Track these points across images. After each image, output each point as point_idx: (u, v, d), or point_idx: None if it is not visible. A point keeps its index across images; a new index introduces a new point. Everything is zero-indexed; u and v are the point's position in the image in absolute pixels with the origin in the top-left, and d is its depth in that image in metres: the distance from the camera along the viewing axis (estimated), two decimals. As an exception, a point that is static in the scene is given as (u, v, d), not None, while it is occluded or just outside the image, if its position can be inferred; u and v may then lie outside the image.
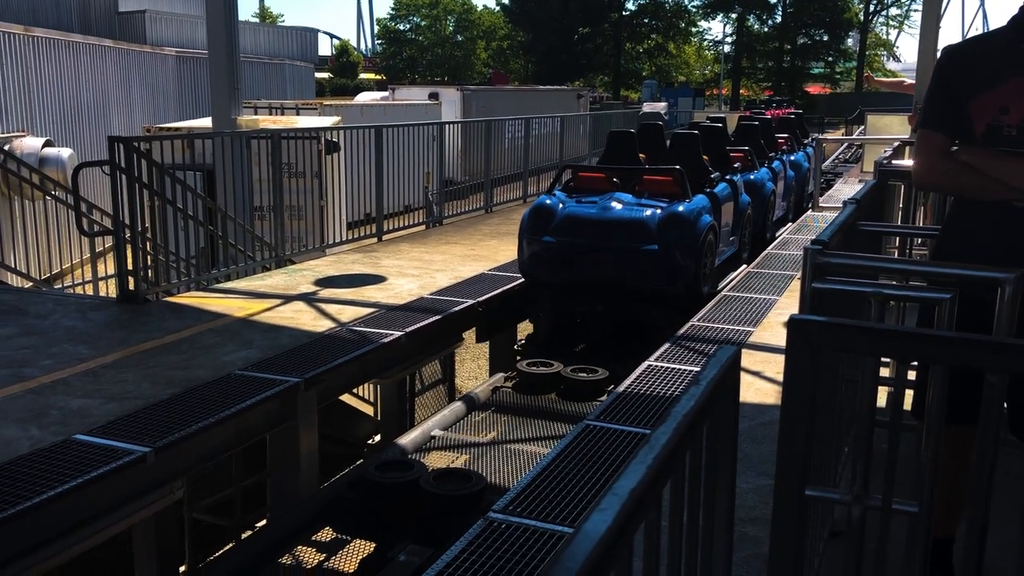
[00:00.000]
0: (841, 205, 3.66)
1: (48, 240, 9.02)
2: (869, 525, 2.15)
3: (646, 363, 5.82)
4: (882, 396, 2.86)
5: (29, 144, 12.18)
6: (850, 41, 64.00)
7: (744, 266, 9.18)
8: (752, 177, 10.61)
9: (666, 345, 6.20)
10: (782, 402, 1.65)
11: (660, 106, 42.04)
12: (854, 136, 25.26)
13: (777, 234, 11.22)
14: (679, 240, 7.44)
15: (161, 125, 15.05)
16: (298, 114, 17.74)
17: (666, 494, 1.22)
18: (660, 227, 7.47)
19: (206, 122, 13.94)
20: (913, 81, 11.11)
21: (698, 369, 5.64)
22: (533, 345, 8.58)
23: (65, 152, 12.42)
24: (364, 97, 29.32)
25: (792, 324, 1.58)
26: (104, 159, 7.30)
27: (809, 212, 12.77)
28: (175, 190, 7.79)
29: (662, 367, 5.74)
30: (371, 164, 10.36)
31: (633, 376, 5.55)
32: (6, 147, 8.97)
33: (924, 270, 2.74)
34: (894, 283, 2.79)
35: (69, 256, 9.16)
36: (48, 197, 9.02)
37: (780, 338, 6.22)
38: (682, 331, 6.55)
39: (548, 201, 7.93)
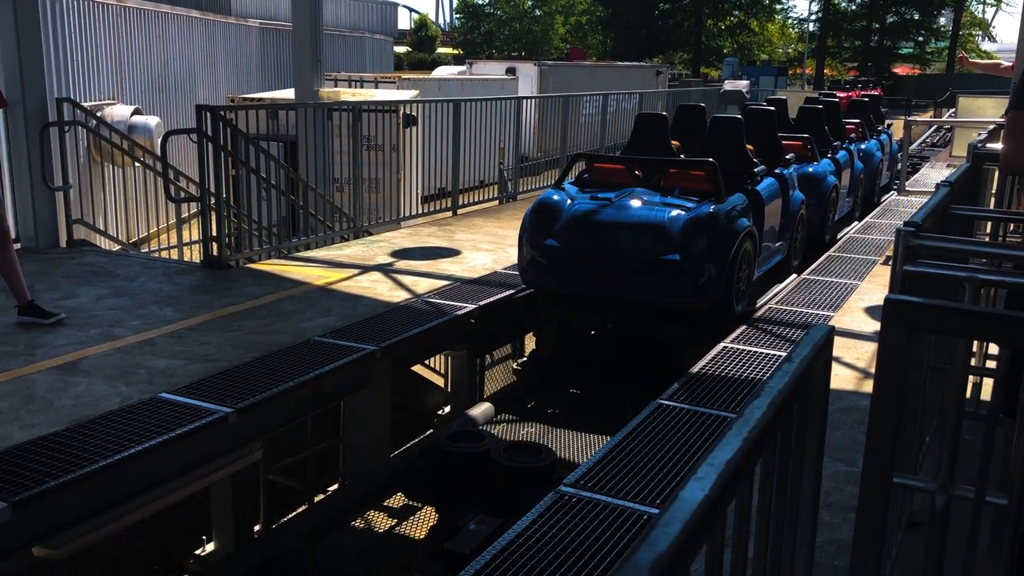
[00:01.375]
0: (933, 189, 3.54)
1: (136, 205, 9.31)
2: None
3: (721, 344, 5.75)
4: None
5: (119, 112, 12.55)
6: (943, 20, 61.62)
7: (793, 275, 7.70)
8: (810, 170, 9.20)
9: (742, 327, 6.13)
10: (874, 384, 1.61)
11: (742, 84, 41.09)
12: (944, 119, 24.38)
13: (840, 235, 9.81)
14: (707, 249, 6.06)
15: (244, 95, 15.36)
16: (377, 87, 17.92)
17: (756, 470, 1.20)
18: (684, 232, 6.08)
19: (287, 93, 14.17)
20: (1011, 64, 9.84)
21: (774, 352, 5.57)
22: (534, 365, 7.66)
23: (152, 120, 12.76)
24: (442, 71, 29.41)
25: (888, 304, 1.54)
26: (190, 127, 7.50)
27: (894, 196, 12.35)
28: (259, 159, 7.96)
29: (737, 349, 5.67)
30: (448, 138, 10.41)
31: (707, 357, 5.50)
32: (98, 114, 9.25)
33: (1021, 255, 2.64)
34: (988, 268, 2.70)
35: (156, 221, 9.44)
36: (138, 164, 9.29)
37: (860, 324, 6.09)
38: (758, 313, 6.46)
39: (555, 197, 6.67)
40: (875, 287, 7.12)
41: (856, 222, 10.76)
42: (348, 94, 13.61)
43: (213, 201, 7.21)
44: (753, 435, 1.03)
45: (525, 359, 8.06)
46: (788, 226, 7.89)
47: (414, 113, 10.78)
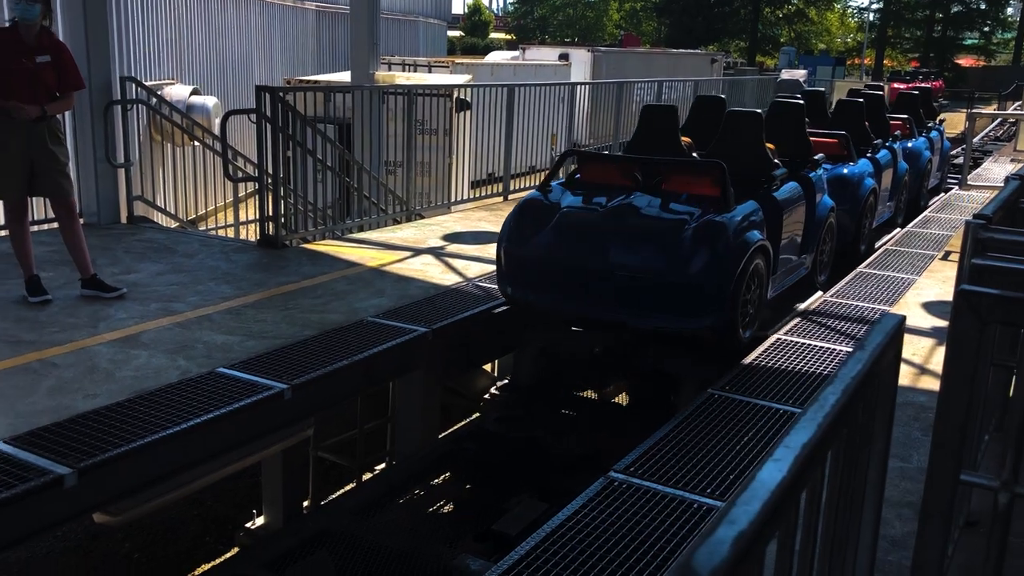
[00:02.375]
0: (996, 183, 3.47)
1: (195, 184, 9.48)
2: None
3: (774, 336, 5.70)
4: None
5: (178, 92, 12.77)
6: (1010, 10, 59.89)
7: (818, 293, 6.88)
8: (844, 171, 8.13)
9: (796, 320, 6.06)
10: (943, 377, 1.59)
11: (799, 74, 40.31)
12: (1009, 111, 23.71)
13: (877, 245, 8.79)
14: (707, 266, 5.19)
15: (300, 78, 15.52)
16: (430, 71, 17.98)
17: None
18: (681, 247, 5.24)
19: (342, 76, 14.29)
20: None
21: (828, 346, 5.50)
22: (512, 390, 6.65)
23: (210, 101, 12.96)
24: (495, 56, 29.38)
25: (961, 295, 1.51)
26: (249, 108, 7.60)
27: (955, 191, 12.06)
28: (315, 141, 8.05)
29: (790, 341, 5.61)
30: (501, 123, 10.41)
31: (760, 349, 5.45)
32: (159, 93, 9.43)
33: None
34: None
35: (213, 200, 9.60)
36: (196, 143, 9.45)
37: (918, 319, 5.98)
38: (813, 306, 6.37)
39: (540, 200, 5.79)
40: (934, 282, 6.98)
41: (898, 228, 9.64)
42: (402, 78, 13.69)
43: (270, 181, 7.32)
44: (828, 420, 1.02)
45: (506, 382, 7.06)
46: (813, 237, 6.82)
47: (467, 98, 10.80)
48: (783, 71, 42.06)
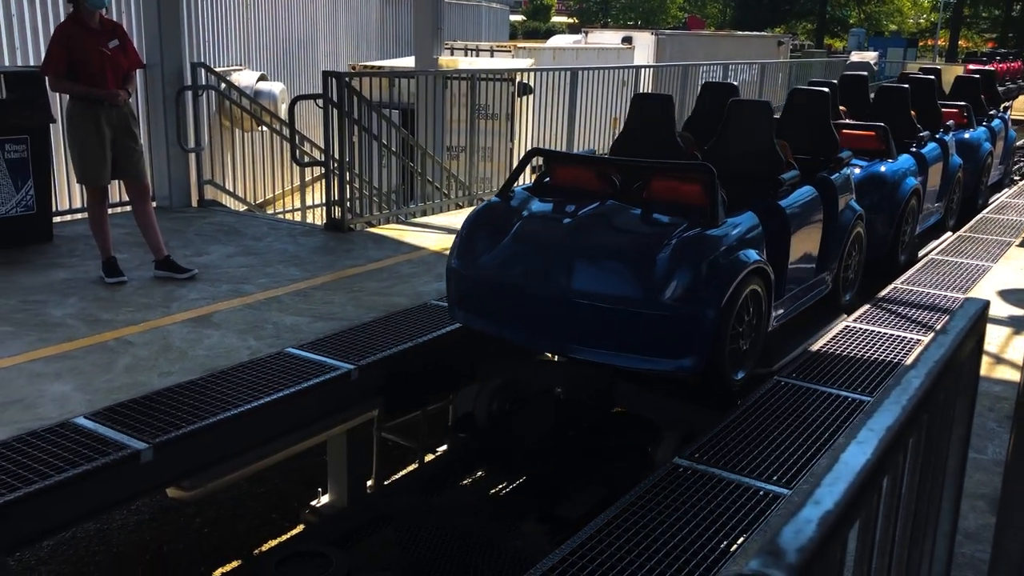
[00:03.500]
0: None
1: (262, 169, 9.64)
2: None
3: (843, 323, 5.60)
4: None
5: (245, 78, 12.97)
6: (1095, -12, 57.45)
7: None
8: (881, 170, 6.90)
9: (865, 306, 5.94)
10: (1027, 363, 1.54)
11: (870, 56, 39.21)
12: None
13: (921, 253, 7.65)
14: (688, 294, 4.27)
15: (365, 63, 15.66)
16: (492, 56, 17.96)
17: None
18: (659, 269, 4.29)
19: (405, 62, 14.37)
20: None
21: (899, 333, 5.38)
22: (465, 431, 5.74)
23: (277, 86, 13.15)
24: (557, 40, 29.23)
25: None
26: (316, 93, 7.71)
27: None
28: (380, 126, 8.12)
29: (860, 328, 5.50)
30: (564, 108, 10.37)
31: (829, 335, 5.36)
32: (227, 79, 9.60)
33: None
34: None
35: (280, 184, 9.76)
36: (264, 128, 9.61)
37: (994, 307, 5.81)
38: (883, 293, 6.24)
39: (498, 206, 4.96)
40: (1010, 270, 6.78)
41: (949, 232, 8.42)
42: (465, 63, 13.71)
43: (336, 166, 7.41)
44: (911, 404, 1.00)
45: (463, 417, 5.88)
46: (834, 251, 5.79)
47: (529, 82, 10.77)
48: (852, 53, 40.99)
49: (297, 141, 8.19)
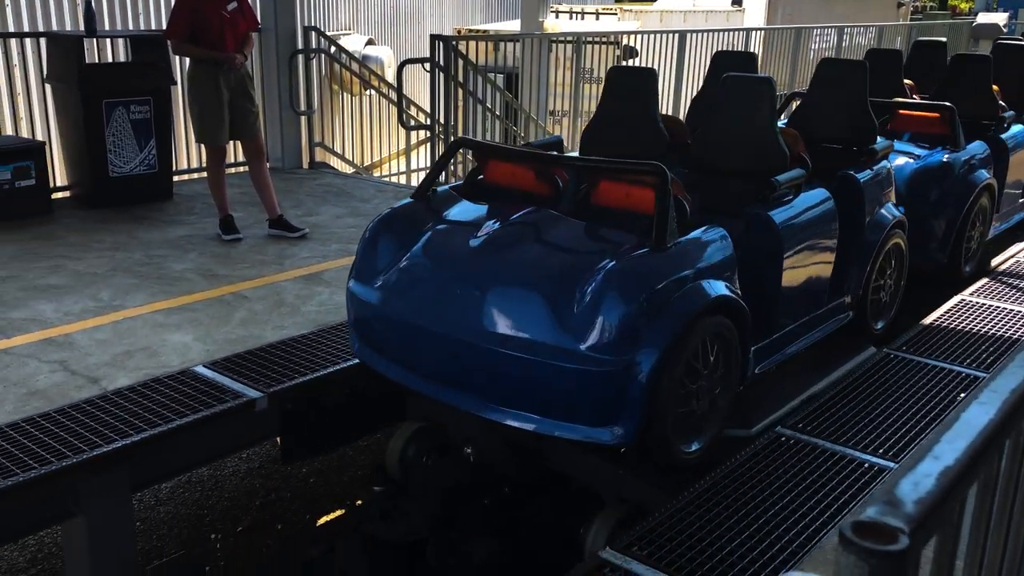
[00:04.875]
0: None
1: (369, 132, 9.83)
2: None
3: (958, 297, 5.39)
4: None
5: (354, 42, 13.20)
6: None
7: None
8: (943, 160, 5.58)
9: (984, 280, 5.70)
10: None
11: (999, 17, 36.87)
12: None
13: (995, 262, 6.18)
14: (621, 338, 3.21)
15: (470, 27, 15.71)
16: (598, 19, 17.76)
17: None
18: (584, 305, 3.25)
19: (508, 25, 14.36)
20: None
21: (1019, 308, 5.15)
22: (381, 483, 4.50)
23: (384, 50, 13.34)
24: (664, 2, 28.64)
25: None
26: (423, 57, 7.79)
27: None
28: (486, 90, 8.16)
29: (977, 303, 5.29)
30: (671, 72, 10.20)
31: (942, 309, 5.18)
32: (338, 41, 9.79)
33: None
34: None
35: (387, 147, 9.94)
36: (373, 91, 9.78)
37: None
38: (1003, 266, 5.97)
39: (412, 209, 3.94)
40: None
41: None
42: (570, 26, 13.61)
43: (441, 129, 7.50)
44: (1038, 368, 0.98)
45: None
46: (854, 274, 4.65)
47: (635, 45, 10.63)
48: (980, 15, 38.75)
49: (404, 105, 8.31)
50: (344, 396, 4.27)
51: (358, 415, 4.43)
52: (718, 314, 3.50)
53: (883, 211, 4.79)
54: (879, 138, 4.94)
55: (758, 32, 12.99)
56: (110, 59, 7.73)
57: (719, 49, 10.96)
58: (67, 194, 7.09)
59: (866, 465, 3.51)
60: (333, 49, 9.15)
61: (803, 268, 4.18)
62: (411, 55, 12.11)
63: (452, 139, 7.57)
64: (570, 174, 4.01)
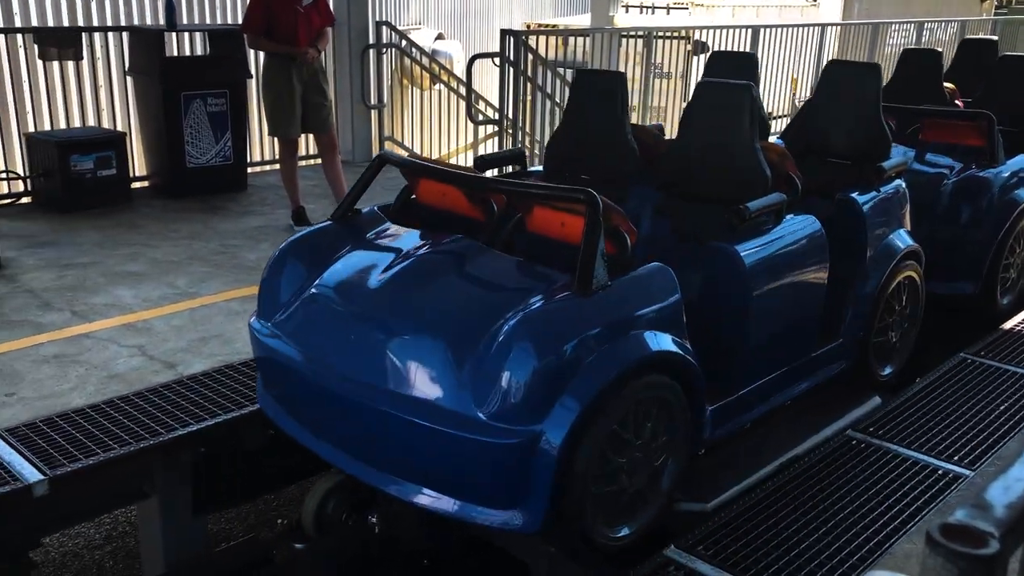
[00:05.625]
0: None
1: (438, 126, 9.90)
2: None
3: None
4: None
5: (424, 37, 13.29)
6: None
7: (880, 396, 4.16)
8: (979, 177, 5.00)
9: (1068, 284, 5.49)
10: None
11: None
12: None
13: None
14: (525, 406, 2.64)
15: (539, 22, 15.70)
16: (668, 13, 17.59)
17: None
18: (485, 363, 2.69)
19: (576, 21, 14.31)
20: None
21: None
22: (301, 540, 3.76)
23: (454, 45, 13.42)
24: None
25: None
26: (492, 51, 7.81)
27: None
28: (555, 85, 8.16)
29: (1060, 308, 5.10)
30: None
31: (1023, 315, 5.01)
32: (409, 36, 9.87)
33: None
34: None
35: (454, 141, 9.99)
36: (442, 85, 9.85)
37: None
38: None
39: (327, 235, 3.45)
40: None
41: None
42: (640, 20, 13.51)
43: (509, 124, 7.52)
44: None
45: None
46: (853, 314, 4.02)
47: (707, 40, 10.49)
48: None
49: (472, 99, 8.35)
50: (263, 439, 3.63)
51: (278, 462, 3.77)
52: (657, 373, 2.91)
53: (892, 239, 4.15)
54: (904, 149, 4.50)
55: (834, 28, 12.72)
56: (188, 53, 7.93)
57: (792, 45, 10.77)
58: (146, 184, 7.30)
59: (940, 472, 3.42)
60: (404, 43, 9.23)
61: (780, 310, 3.55)
62: (480, 50, 12.16)
63: (519, 134, 7.58)
64: (508, 197, 3.37)
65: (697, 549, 2.92)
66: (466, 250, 3.15)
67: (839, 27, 12.93)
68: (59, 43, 6.92)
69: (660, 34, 9.53)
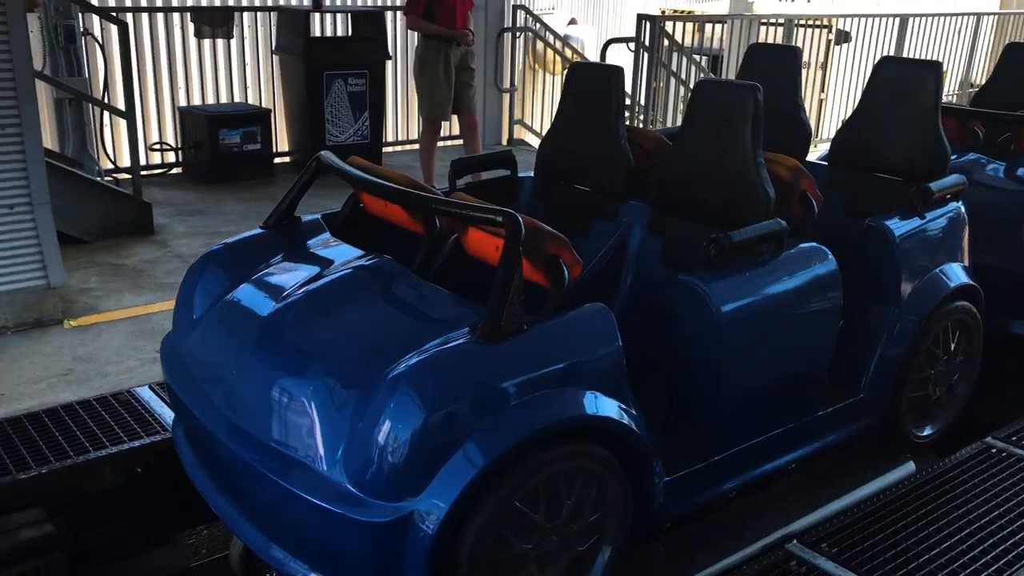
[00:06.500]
0: None
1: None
2: None
3: None
4: None
5: (556, 22, 13.30)
6: None
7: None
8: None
9: None
10: None
11: None
12: None
13: None
14: (403, 475, 2.14)
15: (675, 8, 15.46)
16: (809, 1, 17.01)
17: None
18: (364, 419, 2.19)
19: (713, 7, 14.03)
20: None
21: None
22: None
23: (586, 30, 13.38)
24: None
25: None
26: (627, 36, 7.76)
27: None
28: (689, 71, 8.04)
29: None
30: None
31: None
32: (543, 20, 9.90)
33: None
34: None
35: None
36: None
37: None
38: None
39: (246, 247, 3.01)
40: None
41: None
42: (780, 7, 13.12)
43: (640, 111, 7.46)
44: None
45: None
46: (878, 365, 3.33)
47: (849, 29, 10.11)
48: None
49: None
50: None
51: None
52: (582, 440, 2.37)
53: (937, 274, 3.42)
54: (984, 159, 3.85)
55: (990, 17, 12.03)
56: (331, 33, 8.20)
57: (945, 35, 10.24)
58: (287, 160, 7.61)
59: (1088, 486, 3.24)
60: (538, 27, 9.27)
61: (770, 362, 2.90)
62: (612, 35, 12.06)
63: (648, 120, 7.52)
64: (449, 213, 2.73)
65: (820, 546, 2.87)
66: (384, 275, 2.67)
67: (996, 16, 12.22)
68: (213, 22, 7.28)
69: (801, 22, 9.25)
